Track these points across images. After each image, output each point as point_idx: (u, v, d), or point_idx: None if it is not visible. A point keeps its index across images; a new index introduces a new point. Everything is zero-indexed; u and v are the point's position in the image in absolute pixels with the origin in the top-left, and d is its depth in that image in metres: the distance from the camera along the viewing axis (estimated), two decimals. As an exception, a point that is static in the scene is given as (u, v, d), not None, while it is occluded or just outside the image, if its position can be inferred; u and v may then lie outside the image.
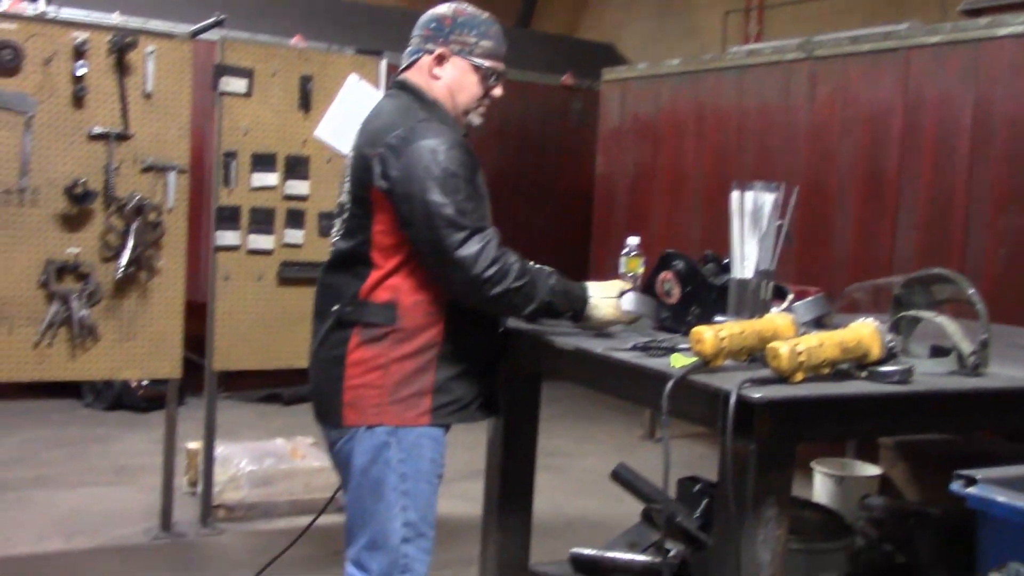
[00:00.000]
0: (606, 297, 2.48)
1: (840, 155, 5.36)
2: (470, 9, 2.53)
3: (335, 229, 2.52)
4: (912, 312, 2.42)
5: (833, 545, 2.82)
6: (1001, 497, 1.67)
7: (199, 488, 4.43)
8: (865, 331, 2.09)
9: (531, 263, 2.38)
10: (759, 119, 5.90)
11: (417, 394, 2.38)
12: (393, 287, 2.36)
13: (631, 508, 3.28)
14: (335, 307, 2.42)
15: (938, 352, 2.33)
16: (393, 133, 2.33)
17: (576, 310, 2.44)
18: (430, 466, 2.42)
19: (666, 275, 2.68)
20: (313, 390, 2.50)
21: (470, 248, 2.26)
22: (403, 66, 2.53)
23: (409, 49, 2.53)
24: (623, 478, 3.14)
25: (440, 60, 2.47)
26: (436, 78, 2.47)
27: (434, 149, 2.29)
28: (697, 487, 2.96)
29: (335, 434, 2.45)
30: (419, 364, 2.38)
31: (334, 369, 2.40)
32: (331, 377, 2.41)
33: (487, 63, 2.48)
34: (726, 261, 2.67)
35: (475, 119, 2.54)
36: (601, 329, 2.51)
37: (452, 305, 2.39)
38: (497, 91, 2.54)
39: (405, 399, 2.38)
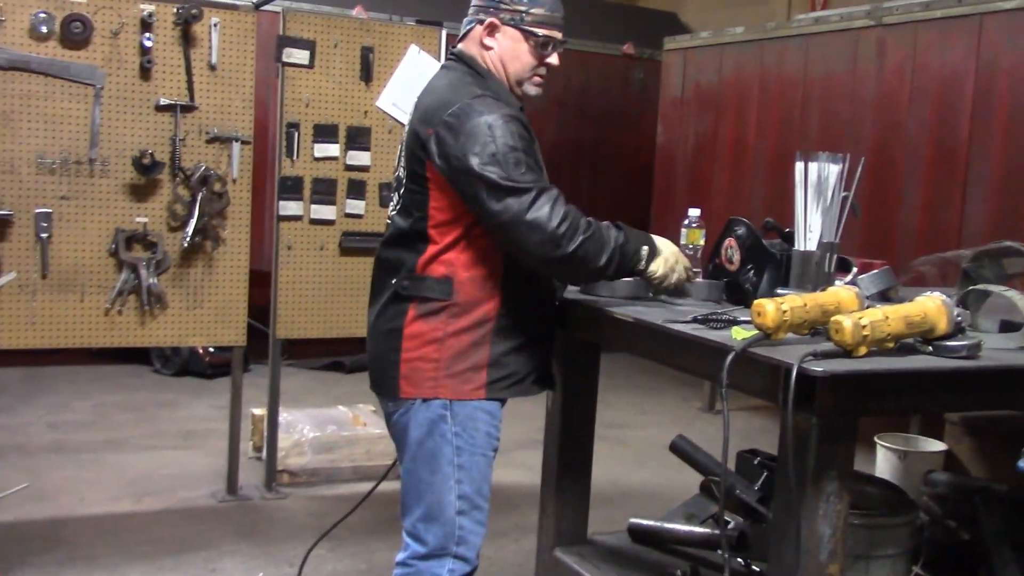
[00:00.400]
0: (671, 245, 2.48)
1: (909, 125, 5.25)
2: None
3: (392, 203, 2.51)
4: (981, 286, 2.37)
5: (895, 520, 2.78)
6: (1070, 475, 1.64)
7: (264, 453, 4.53)
8: (932, 305, 2.06)
9: (597, 221, 2.37)
10: (825, 88, 5.79)
11: (472, 368, 2.39)
12: (449, 262, 2.36)
13: (690, 480, 3.29)
14: (392, 280, 2.42)
15: (1007, 327, 2.29)
16: (448, 111, 2.30)
17: (649, 246, 2.40)
18: (485, 439, 2.43)
19: (730, 241, 2.66)
20: (371, 362, 2.51)
21: (541, 209, 2.25)
22: (460, 36, 2.50)
23: (466, 19, 2.49)
24: (681, 450, 3.15)
25: (491, 30, 2.43)
26: (488, 48, 2.44)
27: (491, 124, 2.27)
28: (757, 460, 2.95)
29: (392, 406, 2.46)
30: (474, 338, 2.38)
31: (391, 342, 2.41)
32: (388, 349, 2.42)
33: (540, 31, 2.42)
34: (788, 230, 2.64)
35: (531, 89, 2.48)
36: (667, 281, 2.44)
37: (508, 280, 2.40)
38: (553, 60, 2.46)
39: (461, 373, 2.38)
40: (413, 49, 4.29)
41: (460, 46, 2.49)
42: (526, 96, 2.49)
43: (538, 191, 2.26)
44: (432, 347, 2.38)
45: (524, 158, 2.28)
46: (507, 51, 2.43)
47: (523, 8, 2.41)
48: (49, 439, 5.09)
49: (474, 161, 2.26)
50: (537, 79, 2.47)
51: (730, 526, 2.84)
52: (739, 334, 2.10)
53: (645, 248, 2.39)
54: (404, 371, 2.40)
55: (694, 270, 2.59)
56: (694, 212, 2.88)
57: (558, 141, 8.02)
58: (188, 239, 3.95)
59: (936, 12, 5.14)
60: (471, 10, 2.48)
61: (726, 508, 2.80)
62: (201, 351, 6.47)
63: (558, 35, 2.45)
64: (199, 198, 3.96)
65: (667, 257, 2.43)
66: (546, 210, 2.24)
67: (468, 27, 2.47)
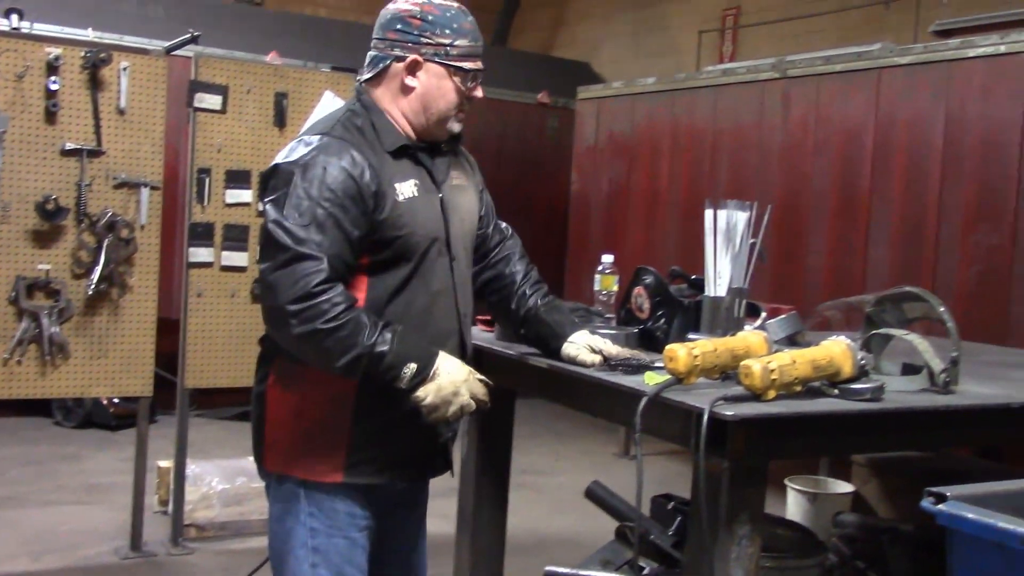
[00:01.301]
0: (460, 370, 2.11)
1: (813, 174, 5.41)
2: (436, 2, 2.20)
3: None
4: (884, 330, 2.43)
5: (806, 562, 2.82)
6: (971, 514, 1.67)
7: (170, 507, 4.39)
8: (837, 349, 2.10)
9: (373, 318, 2.03)
10: (733, 137, 5.94)
11: (330, 447, 2.13)
12: None
13: (605, 526, 3.28)
14: (260, 337, 2.23)
15: (909, 370, 2.35)
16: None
17: (418, 366, 2.03)
18: (347, 520, 2.18)
19: (639, 290, 2.69)
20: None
21: (288, 274, 1.97)
22: (366, 76, 2.24)
23: (372, 55, 2.23)
24: (597, 496, 3.14)
25: (413, 68, 2.18)
26: (409, 89, 2.18)
27: (308, 165, 2.04)
28: (671, 505, 2.96)
29: (261, 475, 2.28)
30: (333, 411, 2.13)
31: (258, 407, 2.22)
32: (256, 415, 2.22)
33: (466, 64, 2.19)
34: (694, 277, 2.68)
35: (455, 126, 2.25)
36: (438, 413, 2.08)
37: None
38: (477, 93, 2.24)
39: (316, 450, 2.14)
40: (327, 95, 4.28)
41: (365, 85, 2.24)
42: (450, 133, 2.27)
43: (299, 254, 1.98)
44: (289, 418, 2.16)
45: (319, 213, 2.01)
46: (432, 90, 2.19)
47: (447, 41, 2.17)
48: (-59, 496, 4.87)
49: (268, 196, 2.07)
50: (462, 115, 2.25)
51: (645, 572, 2.84)
52: (652, 379, 2.11)
53: (411, 366, 2.03)
54: (268, 441, 2.20)
55: (482, 397, 2.16)
56: (607, 258, 2.92)
57: (474, 188, 8.03)
58: (93, 286, 3.84)
59: (837, 66, 5.34)
60: (381, 43, 2.21)
61: (641, 554, 2.80)
62: (105, 402, 6.27)
63: (480, 65, 2.23)
64: (105, 244, 3.86)
65: (442, 385, 2.06)
66: (292, 278, 1.97)
67: (383, 64, 2.21)
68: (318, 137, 2.11)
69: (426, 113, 2.21)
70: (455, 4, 2.25)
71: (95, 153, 3.87)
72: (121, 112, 3.91)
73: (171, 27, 6.14)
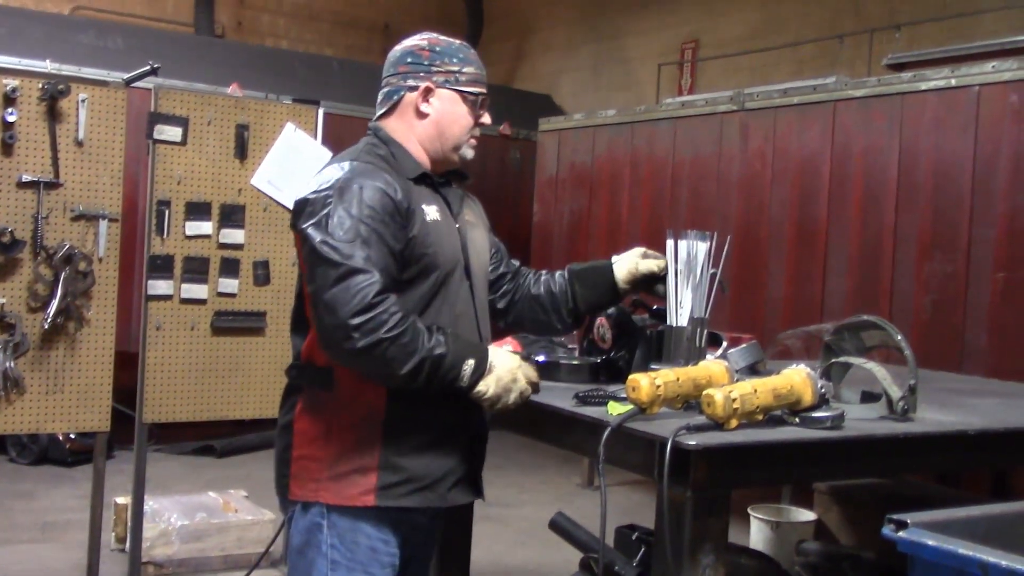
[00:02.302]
0: (512, 358, 2.17)
1: (772, 204, 5.48)
2: (443, 37, 2.35)
3: None
4: (843, 358, 2.46)
5: (770, 591, 2.83)
6: (931, 541, 1.69)
7: (128, 544, 4.30)
8: (797, 377, 2.12)
9: (426, 324, 2.10)
10: (693, 168, 6.00)
11: (359, 470, 2.14)
12: None
13: (570, 557, 3.27)
14: (287, 368, 2.27)
15: (868, 397, 2.38)
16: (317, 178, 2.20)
17: (475, 361, 2.09)
18: (368, 555, 2.16)
19: (601, 320, 2.70)
20: (274, 460, 2.31)
21: (345, 290, 2.01)
22: (380, 112, 2.33)
23: (386, 91, 2.32)
24: (561, 527, 3.13)
25: (426, 95, 2.27)
26: (423, 116, 2.27)
27: (343, 188, 2.10)
28: (635, 535, 2.96)
29: (286, 507, 2.27)
30: (362, 435, 2.14)
31: (284, 438, 2.23)
32: (282, 446, 2.24)
33: (474, 89, 2.31)
34: (655, 307, 2.70)
35: (468, 152, 2.34)
36: (501, 402, 2.14)
37: None
38: (486, 119, 2.35)
39: (346, 475, 2.14)
40: (289, 127, 4.27)
41: (379, 122, 2.33)
42: (463, 160, 2.35)
43: (351, 268, 2.02)
44: (318, 444, 2.17)
45: (362, 229, 2.06)
46: (446, 115, 2.28)
47: (455, 68, 2.29)
48: None
49: (306, 221, 2.10)
50: (473, 140, 2.34)
51: (610, 603, 2.83)
52: (615, 409, 2.12)
53: (470, 363, 2.08)
54: (294, 470, 2.20)
55: (535, 382, 2.22)
56: (569, 289, 2.92)
57: (436, 219, 8.05)
58: (49, 320, 3.79)
59: (794, 99, 5.43)
60: (393, 78, 2.31)
61: (606, 585, 2.79)
62: (61, 437, 6.16)
63: (486, 91, 2.35)
64: (62, 277, 3.81)
65: (500, 375, 2.12)
66: (349, 293, 2.00)
67: (397, 96, 2.29)
68: (348, 163, 2.18)
69: (441, 139, 2.30)
70: (458, 40, 2.38)
71: (52, 185, 3.82)
72: (79, 144, 3.88)
73: (130, 58, 6.11)
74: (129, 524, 4.28)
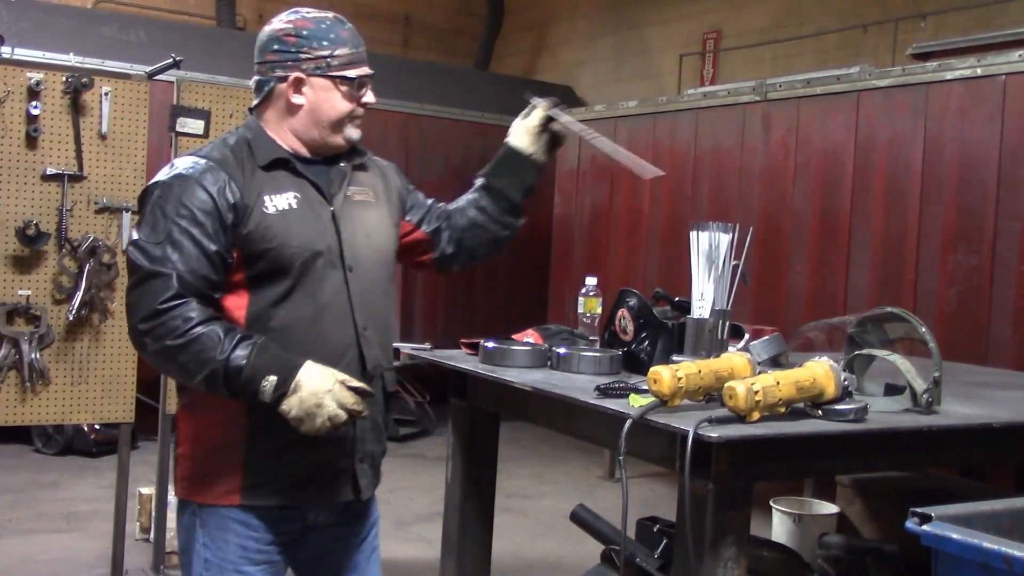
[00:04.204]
0: (325, 380, 1.98)
1: (794, 195, 5.44)
2: (310, 15, 2.17)
3: None
4: (866, 351, 2.44)
5: (792, 584, 2.82)
6: (955, 534, 1.68)
7: (152, 534, 4.34)
8: (820, 370, 2.11)
9: (233, 332, 1.98)
10: (714, 160, 5.97)
11: (225, 469, 2.09)
12: None
13: (591, 549, 3.27)
14: None
15: (892, 390, 2.36)
16: None
17: (279, 379, 1.94)
18: (238, 554, 2.10)
19: (623, 312, 2.69)
20: None
21: (140, 293, 1.98)
22: (254, 103, 2.22)
23: (256, 80, 2.21)
24: (582, 519, 3.13)
25: (297, 86, 2.15)
26: (296, 107, 2.16)
27: (164, 185, 2.06)
28: (656, 527, 2.96)
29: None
30: (227, 433, 2.08)
31: (174, 433, 2.21)
32: (173, 440, 2.22)
33: (350, 72, 2.16)
34: (677, 299, 2.69)
35: (353, 133, 2.20)
36: (306, 425, 1.97)
37: None
38: (368, 98, 2.20)
39: (213, 473, 2.10)
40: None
41: (254, 113, 2.23)
42: (350, 141, 2.22)
43: (148, 272, 1.98)
44: (190, 443, 2.14)
45: (174, 231, 2.00)
46: (320, 104, 2.15)
47: (325, 53, 2.14)
48: (-81, 525, 4.80)
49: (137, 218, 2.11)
50: (357, 121, 2.21)
51: (632, 595, 2.83)
52: (636, 401, 2.12)
53: (271, 379, 1.94)
54: (178, 469, 2.18)
55: (359, 406, 2.02)
56: (591, 281, 2.92)
57: (457, 211, 8.07)
58: (74, 312, 3.82)
59: (817, 89, 5.38)
60: (262, 67, 2.19)
61: (627, 577, 2.79)
62: (86, 428, 6.22)
63: (367, 70, 2.20)
64: (86, 270, 3.84)
65: (304, 398, 1.95)
66: (143, 297, 1.97)
67: (267, 88, 2.18)
68: (181, 159, 2.13)
69: (319, 128, 2.17)
70: (330, 15, 2.21)
71: (76, 178, 3.85)
72: (103, 137, 3.90)
73: (153, 51, 6.15)
74: (153, 514, 4.32)
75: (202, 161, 2.09)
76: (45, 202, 3.81)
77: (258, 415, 2.04)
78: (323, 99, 2.15)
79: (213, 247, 2.02)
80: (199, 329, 1.95)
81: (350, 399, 1.99)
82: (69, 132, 3.84)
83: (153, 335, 1.96)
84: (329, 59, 2.14)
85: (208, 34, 8.84)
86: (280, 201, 2.10)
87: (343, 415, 1.98)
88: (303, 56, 2.14)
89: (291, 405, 1.96)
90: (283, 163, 2.15)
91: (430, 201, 2.49)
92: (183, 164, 2.09)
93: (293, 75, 2.14)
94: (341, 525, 2.26)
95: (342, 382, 1.99)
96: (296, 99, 2.16)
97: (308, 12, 2.19)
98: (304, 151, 2.20)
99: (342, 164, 2.23)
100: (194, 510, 2.13)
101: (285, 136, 2.19)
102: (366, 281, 2.20)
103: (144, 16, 8.80)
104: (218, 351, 1.94)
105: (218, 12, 9.88)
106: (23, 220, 3.75)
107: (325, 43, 2.14)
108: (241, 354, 1.94)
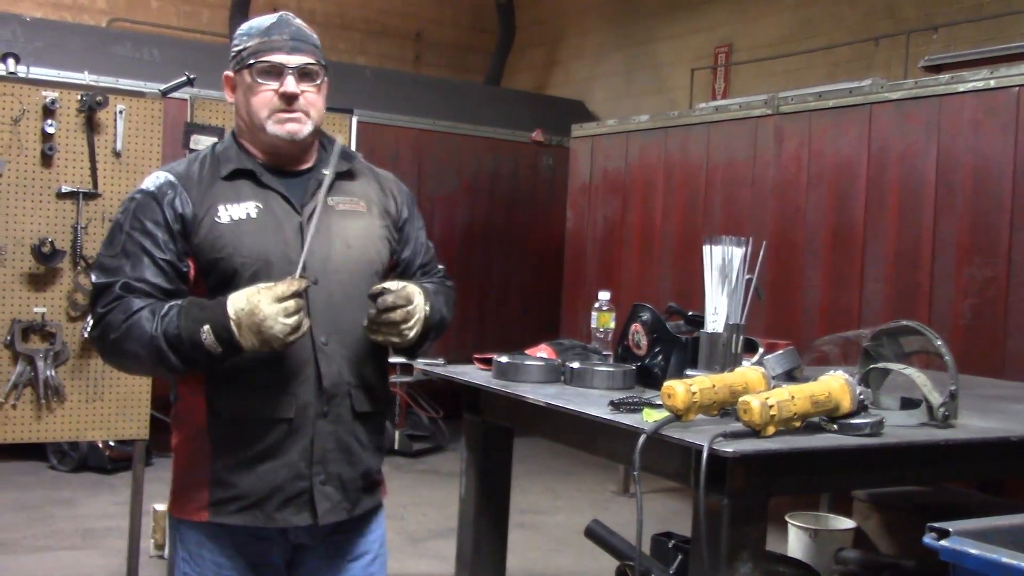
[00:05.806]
0: (250, 298, 1.91)
1: (807, 209, 5.43)
2: (251, 20, 2.17)
3: None
4: (881, 364, 2.43)
5: (809, 600, 2.80)
6: (974, 550, 1.66)
7: (166, 551, 4.33)
8: (835, 384, 2.10)
9: (163, 307, 1.98)
10: (727, 174, 5.97)
11: (196, 484, 2.09)
12: None
13: (605, 565, 3.25)
14: None
15: (908, 404, 2.35)
16: None
17: (211, 322, 1.92)
18: (212, 567, 2.09)
19: (636, 327, 2.69)
20: None
21: (94, 306, 2.06)
22: None
23: None
24: (597, 534, 3.12)
25: (229, 86, 2.16)
26: (235, 109, 2.16)
27: (127, 200, 2.12)
28: (671, 543, 2.94)
29: None
30: (195, 448, 2.10)
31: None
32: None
33: (259, 60, 2.06)
34: (690, 313, 2.68)
35: (277, 129, 2.07)
36: (271, 342, 1.91)
37: (210, 378, 2.05)
38: (288, 86, 2.06)
39: (185, 489, 2.12)
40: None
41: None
42: (280, 139, 2.09)
43: (101, 286, 2.04)
44: (174, 457, 2.18)
45: (128, 244, 2.05)
46: (242, 100, 2.11)
47: (241, 47, 2.10)
48: (-65, 542, 4.82)
49: None
50: (281, 115, 2.07)
51: (647, 611, 2.81)
52: (650, 416, 2.11)
53: (205, 328, 1.92)
54: (172, 484, 2.20)
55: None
56: (604, 295, 2.92)
57: (469, 226, 8.10)
58: (88, 329, 3.83)
59: (829, 102, 5.38)
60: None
61: (642, 593, 2.77)
62: (101, 445, 6.23)
63: (285, 58, 2.06)
64: (101, 286, 3.85)
65: (244, 323, 1.90)
66: (94, 309, 2.05)
67: None
68: (150, 175, 2.15)
69: (249, 126, 2.12)
70: (278, 13, 2.14)
71: (91, 195, 3.88)
72: (117, 154, 3.93)
73: (167, 69, 6.19)
74: (167, 531, 4.31)
75: (163, 175, 2.12)
76: (60, 220, 3.83)
77: (218, 431, 2.05)
78: (243, 95, 2.11)
79: (163, 256, 2.05)
80: (133, 317, 1.98)
81: (281, 290, 1.90)
82: (84, 150, 3.86)
83: (100, 341, 2.03)
84: (243, 52, 2.10)
85: (221, 51, 8.87)
86: (237, 211, 2.07)
87: (292, 306, 1.90)
88: (232, 55, 2.13)
89: (243, 336, 1.91)
90: (246, 173, 2.11)
91: (428, 258, 2.36)
92: (148, 179, 2.14)
93: (224, 75, 2.16)
94: (331, 546, 2.19)
95: (265, 287, 1.92)
96: (230, 99, 2.16)
97: (258, 16, 2.17)
98: (262, 156, 2.15)
99: (324, 172, 2.11)
100: (175, 525, 2.15)
101: (244, 142, 2.17)
102: (337, 293, 2.09)
103: (157, 34, 8.87)
104: (152, 327, 1.96)
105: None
106: (38, 238, 3.77)
107: (245, 37, 2.11)
108: (172, 321, 1.95)
